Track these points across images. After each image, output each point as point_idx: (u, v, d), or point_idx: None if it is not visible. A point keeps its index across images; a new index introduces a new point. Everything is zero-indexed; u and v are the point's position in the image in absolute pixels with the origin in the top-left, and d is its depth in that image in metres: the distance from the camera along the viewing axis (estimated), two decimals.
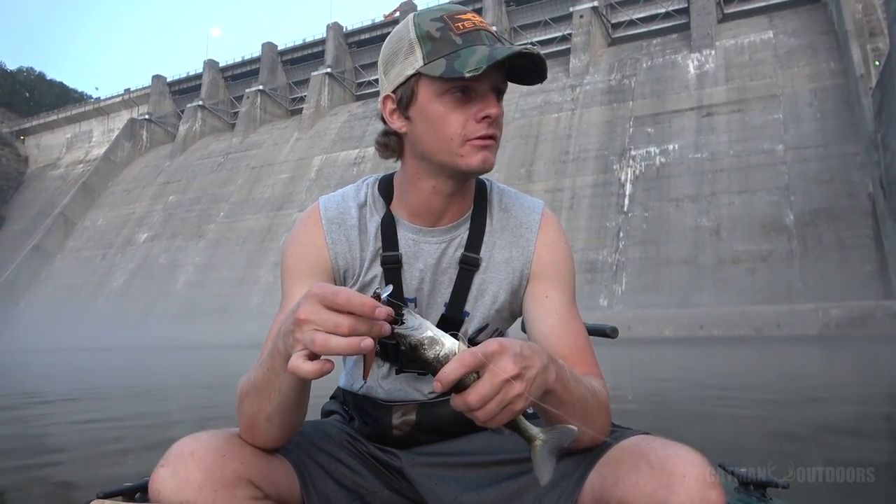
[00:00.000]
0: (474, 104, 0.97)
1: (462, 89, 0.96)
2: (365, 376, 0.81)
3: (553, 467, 0.78)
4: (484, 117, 0.97)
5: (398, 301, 0.77)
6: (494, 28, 0.99)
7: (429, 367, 0.75)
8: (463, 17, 0.98)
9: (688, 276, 27.96)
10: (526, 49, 0.93)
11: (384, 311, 0.73)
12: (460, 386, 0.73)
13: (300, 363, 0.75)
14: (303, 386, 0.90)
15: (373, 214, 1.11)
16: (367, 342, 0.72)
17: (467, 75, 0.94)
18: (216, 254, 44.51)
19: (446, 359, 0.73)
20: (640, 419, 4.83)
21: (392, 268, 1.09)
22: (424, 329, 0.75)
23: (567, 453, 0.95)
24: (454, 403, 0.74)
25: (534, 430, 0.79)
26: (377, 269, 1.09)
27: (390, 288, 0.78)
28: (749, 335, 22.44)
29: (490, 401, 0.73)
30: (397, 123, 1.02)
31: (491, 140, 0.99)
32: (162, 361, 19.24)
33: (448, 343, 0.74)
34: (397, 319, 0.75)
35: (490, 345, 0.75)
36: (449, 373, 0.72)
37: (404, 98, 1.00)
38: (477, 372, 0.73)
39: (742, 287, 26.15)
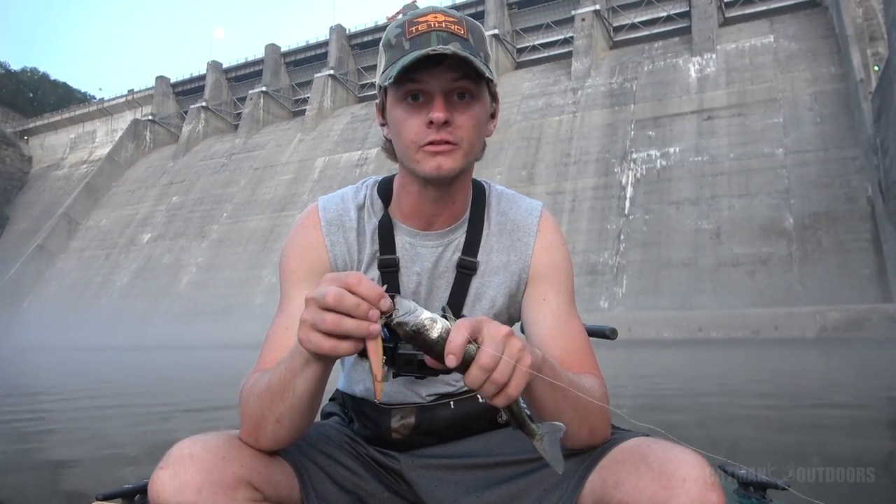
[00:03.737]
0: (425, 109, 0.95)
1: (413, 95, 0.96)
2: (377, 392, 0.77)
3: (561, 455, 0.80)
4: (430, 122, 0.94)
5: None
6: (459, 27, 0.95)
7: (433, 349, 0.74)
8: (421, 19, 0.95)
9: (687, 278, 28.02)
10: (433, 51, 0.89)
11: (388, 302, 0.75)
12: (465, 363, 0.74)
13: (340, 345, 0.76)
14: (317, 389, 0.89)
15: (371, 217, 1.10)
16: (375, 327, 0.74)
17: (385, 84, 0.96)
18: (219, 254, 44.60)
19: (448, 333, 0.74)
20: (639, 421, 4.89)
21: (389, 271, 1.08)
22: (420, 311, 0.75)
23: (567, 455, 0.95)
24: (468, 379, 0.74)
25: (534, 425, 0.81)
26: (374, 272, 1.09)
27: (384, 287, 0.79)
28: (747, 337, 22.47)
29: (500, 359, 0.74)
30: (384, 128, 1.04)
31: (444, 145, 0.96)
32: (164, 361, 19.30)
33: (441, 320, 0.76)
34: (391, 316, 0.76)
35: (475, 315, 0.79)
36: (455, 339, 0.73)
37: (380, 104, 1.03)
38: (474, 343, 0.75)
39: (741, 290, 26.21)
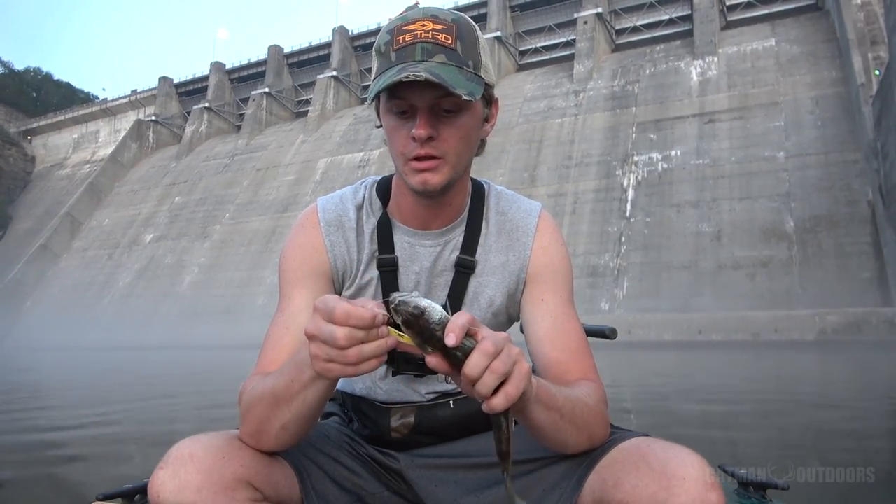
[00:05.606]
0: (411, 122, 0.95)
1: (398, 108, 0.95)
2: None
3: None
4: (413, 138, 0.94)
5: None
6: (447, 36, 0.93)
7: (434, 334, 0.73)
8: (409, 27, 0.94)
9: (688, 281, 28.06)
10: (406, 78, 0.87)
11: (383, 317, 0.74)
12: (464, 352, 0.73)
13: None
14: (326, 398, 0.89)
15: (369, 216, 1.10)
16: (392, 340, 0.75)
17: (368, 103, 0.99)
18: (221, 255, 44.68)
19: (447, 320, 0.74)
20: (639, 421, 4.92)
21: (388, 270, 1.08)
22: (418, 296, 0.75)
23: (567, 456, 0.98)
24: (468, 367, 0.73)
25: (509, 477, 0.82)
26: (373, 272, 1.09)
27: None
28: (747, 340, 22.51)
29: (500, 353, 0.74)
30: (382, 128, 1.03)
31: (429, 160, 0.96)
32: (166, 361, 19.37)
33: (438, 306, 0.75)
34: (388, 311, 0.75)
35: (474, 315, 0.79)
36: (456, 319, 0.73)
37: (376, 107, 1.02)
38: (472, 339, 0.74)
39: (742, 292, 26.23)
